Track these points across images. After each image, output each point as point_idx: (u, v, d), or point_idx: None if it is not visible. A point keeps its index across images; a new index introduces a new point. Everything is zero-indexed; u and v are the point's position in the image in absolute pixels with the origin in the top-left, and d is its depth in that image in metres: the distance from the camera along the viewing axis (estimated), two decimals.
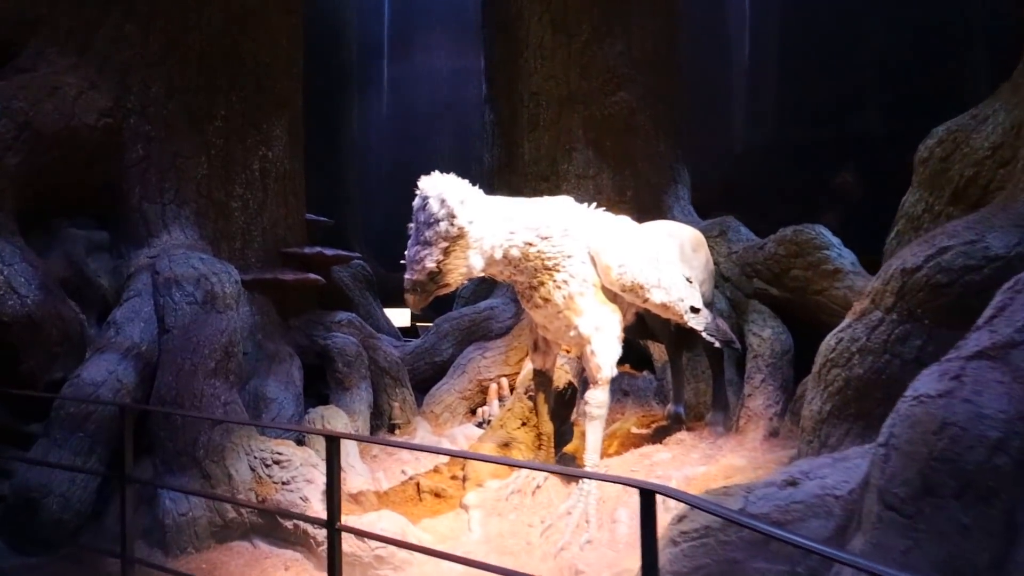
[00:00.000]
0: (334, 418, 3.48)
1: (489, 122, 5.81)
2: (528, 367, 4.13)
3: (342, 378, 4.09)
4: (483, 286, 5.65)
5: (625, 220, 3.07)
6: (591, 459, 2.88)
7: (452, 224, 2.54)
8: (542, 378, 3.18)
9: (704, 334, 3.42)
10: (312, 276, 4.43)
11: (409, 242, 2.66)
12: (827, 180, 7.24)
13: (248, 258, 4.29)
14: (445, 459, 3.68)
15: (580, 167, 5.08)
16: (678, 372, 3.84)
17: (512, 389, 4.49)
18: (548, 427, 3.20)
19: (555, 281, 2.75)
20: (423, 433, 4.13)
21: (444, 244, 2.55)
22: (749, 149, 7.54)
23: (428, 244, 2.56)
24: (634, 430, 3.94)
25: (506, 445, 3.45)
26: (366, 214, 8.47)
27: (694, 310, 3.31)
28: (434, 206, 2.57)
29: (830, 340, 2.83)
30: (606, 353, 2.85)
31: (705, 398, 4.13)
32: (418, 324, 6.67)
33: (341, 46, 7.96)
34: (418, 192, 2.66)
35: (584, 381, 3.27)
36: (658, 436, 3.72)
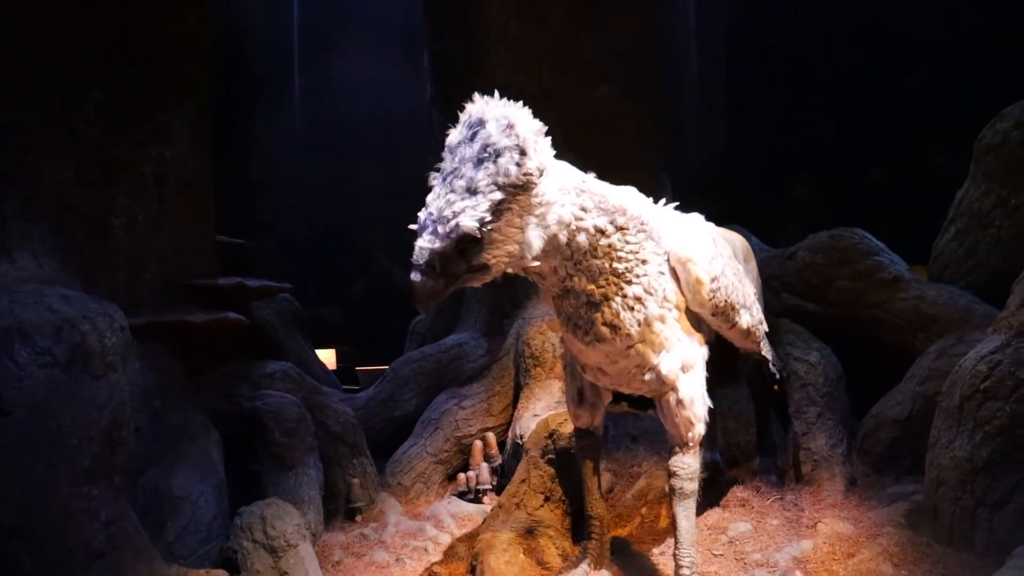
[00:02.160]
0: (280, 518, 2.40)
1: (438, 126, 4.91)
2: (533, 418, 3.22)
3: (281, 453, 2.99)
4: (443, 317, 4.70)
5: (698, 218, 2.28)
6: (687, 557, 2.01)
7: (519, 165, 1.58)
8: (589, 440, 2.30)
9: (771, 365, 2.70)
10: (231, 316, 3.30)
11: (431, 194, 1.64)
12: (784, 191, 6.96)
13: (138, 295, 3.11)
14: (436, 553, 2.69)
15: None
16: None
17: (501, 445, 3.57)
18: (600, 508, 2.31)
19: (625, 297, 1.88)
20: (395, 517, 3.09)
21: (498, 196, 1.57)
22: (702, 159, 7.15)
23: (470, 192, 1.57)
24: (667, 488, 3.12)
25: (530, 532, 2.52)
26: (276, 239, 7.26)
27: (767, 335, 2.59)
28: (494, 132, 1.59)
29: (978, 366, 2.16)
30: (698, 403, 2.03)
31: (736, 438, 3.41)
32: (358, 369, 5.55)
33: (245, 49, 6.82)
34: (463, 118, 1.68)
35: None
36: (704, 494, 2.93)
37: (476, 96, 1.72)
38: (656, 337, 1.95)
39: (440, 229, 1.59)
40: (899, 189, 6.68)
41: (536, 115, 4.65)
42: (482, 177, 1.58)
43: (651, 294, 1.92)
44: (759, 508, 2.71)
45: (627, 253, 1.86)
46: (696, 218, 2.26)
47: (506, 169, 1.58)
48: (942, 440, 2.22)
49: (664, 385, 2.01)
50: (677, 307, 2.00)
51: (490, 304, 4.40)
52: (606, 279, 1.85)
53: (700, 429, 2.03)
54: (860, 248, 3.25)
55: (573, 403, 2.28)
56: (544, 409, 3.37)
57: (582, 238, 1.77)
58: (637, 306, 1.90)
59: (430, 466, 3.51)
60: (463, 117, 1.71)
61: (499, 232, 1.62)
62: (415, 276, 1.65)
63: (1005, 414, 2.05)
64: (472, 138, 1.63)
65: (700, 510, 2.76)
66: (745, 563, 2.23)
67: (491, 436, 3.56)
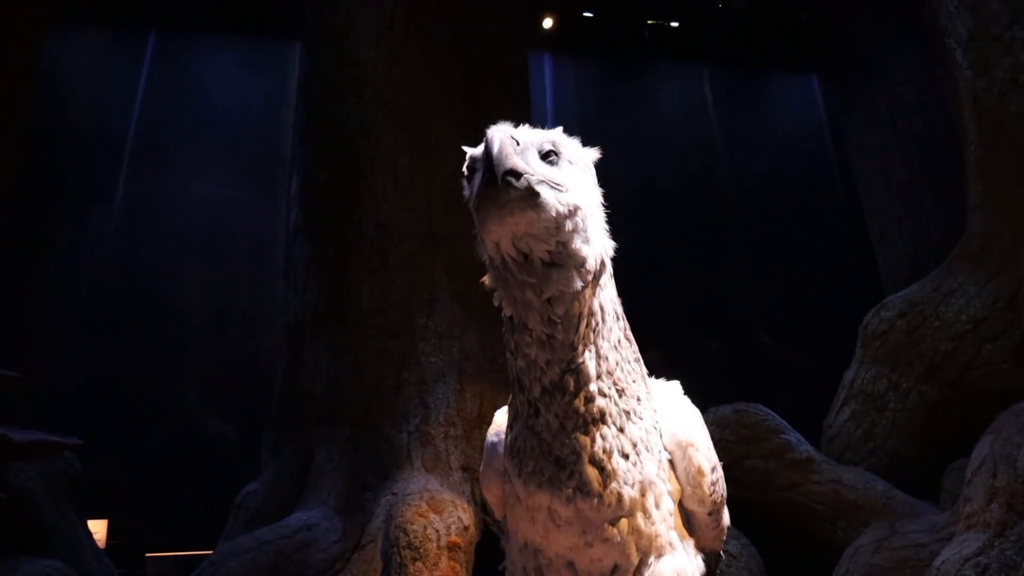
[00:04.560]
0: None
1: (302, 258, 4.31)
2: None
3: None
4: (281, 486, 3.76)
5: (677, 387, 1.93)
6: None
7: (576, 150, 1.29)
8: None
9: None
10: None
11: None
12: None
13: None
14: None
15: (443, 324, 3.86)
16: None
17: None
18: None
19: (622, 431, 1.35)
20: None
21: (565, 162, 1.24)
22: None
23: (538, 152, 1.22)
24: None
25: None
26: (54, 374, 5.72)
27: None
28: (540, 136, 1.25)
29: (963, 570, 1.96)
30: None
31: None
32: (149, 557, 4.20)
33: (63, 144, 5.77)
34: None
35: None
36: None
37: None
38: (648, 523, 1.43)
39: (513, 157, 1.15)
40: (732, 362, 7.23)
41: (423, 257, 4.23)
42: (541, 142, 1.24)
43: (649, 451, 1.45)
44: None
45: (627, 379, 1.38)
46: (676, 388, 1.89)
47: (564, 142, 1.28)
48: None
49: None
50: (671, 495, 1.56)
51: (347, 473, 3.61)
52: (605, 392, 1.32)
53: None
54: (767, 425, 3.16)
55: None
56: None
57: (607, 297, 1.31)
58: (633, 455, 1.37)
59: None
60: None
61: (572, 188, 1.21)
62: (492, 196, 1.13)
63: None
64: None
65: None
66: None
67: None
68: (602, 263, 1.28)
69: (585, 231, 1.23)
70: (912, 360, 2.99)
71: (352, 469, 3.59)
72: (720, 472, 1.68)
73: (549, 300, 1.22)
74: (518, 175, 1.13)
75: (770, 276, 7.51)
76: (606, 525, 1.37)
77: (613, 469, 1.34)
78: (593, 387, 1.31)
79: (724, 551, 2.95)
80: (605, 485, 1.34)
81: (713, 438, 3.40)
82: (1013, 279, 2.79)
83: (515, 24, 4.87)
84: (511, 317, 1.27)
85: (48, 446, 2.77)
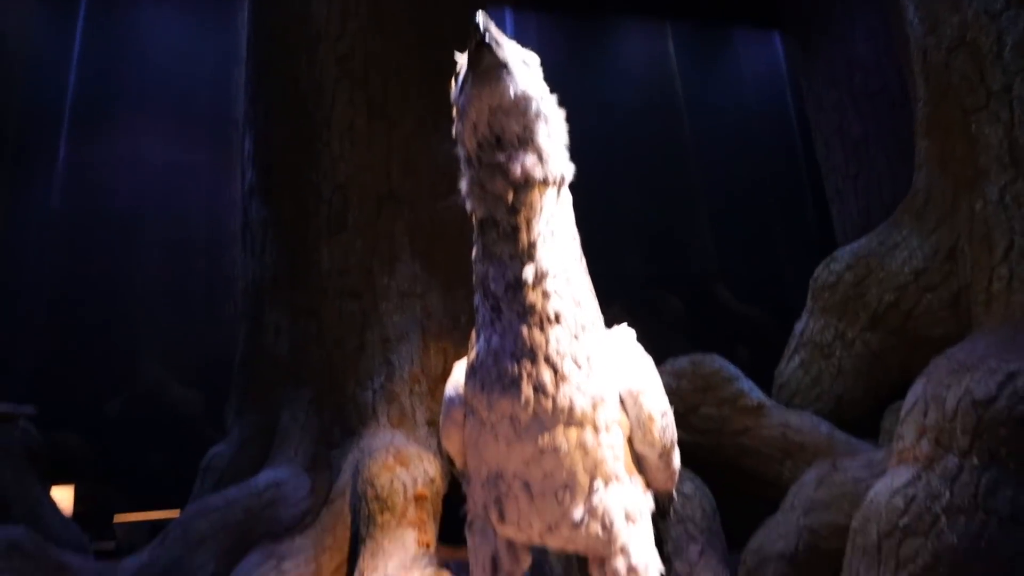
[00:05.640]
0: None
1: (258, 220, 4.24)
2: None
3: None
4: (249, 447, 3.78)
5: (629, 333, 1.96)
6: None
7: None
8: None
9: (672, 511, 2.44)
10: None
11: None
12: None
13: None
14: None
15: (405, 282, 3.87)
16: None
17: None
18: None
19: (576, 339, 1.44)
20: None
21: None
22: None
23: None
24: None
25: None
26: (6, 344, 5.57)
27: None
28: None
29: (893, 499, 2.11)
30: (654, 569, 1.63)
31: None
32: (118, 521, 4.20)
33: None
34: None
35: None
36: None
37: None
38: (596, 442, 1.49)
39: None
40: (693, 317, 7.42)
41: (383, 217, 4.23)
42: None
43: (602, 372, 1.48)
44: None
45: (585, 298, 1.47)
46: (629, 334, 1.93)
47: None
48: None
49: (610, 544, 1.60)
50: (621, 428, 1.63)
51: (313, 431, 3.65)
52: (561, 295, 1.42)
53: None
54: (722, 374, 3.28)
55: (484, 575, 1.73)
56: (398, 568, 2.71)
57: (565, 217, 1.46)
58: (586, 368, 1.45)
59: None
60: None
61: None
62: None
63: (927, 551, 2.00)
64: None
65: None
66: None
67: None
68: (563, 178, 1.45)
69: (548, 128, 1.42)
70: (858, 310, 3.13)
71: (318, 428, 3.63)
72: (671, 417, 1.77)
73: (516, 191, 1.38)
74: (500, 45, 1.34)
75: (731, 233, 7.67)
76: (558, 429, 1.44)
77: (566, 373, 1.43)
78: (551, 284, 1.42)
79: (678, 491, 3.12)
80: (558, 386, 1.42)
81: (670, 388, 3.54)
82: (952, 232, 2.91)
83: None
84: (481, 222, 1.44)
85: (2, 416, 2.73)
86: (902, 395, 2.48)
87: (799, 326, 3.41)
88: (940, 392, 2.17)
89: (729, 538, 3.14)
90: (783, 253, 7.76)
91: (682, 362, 3.41)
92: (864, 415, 3.16)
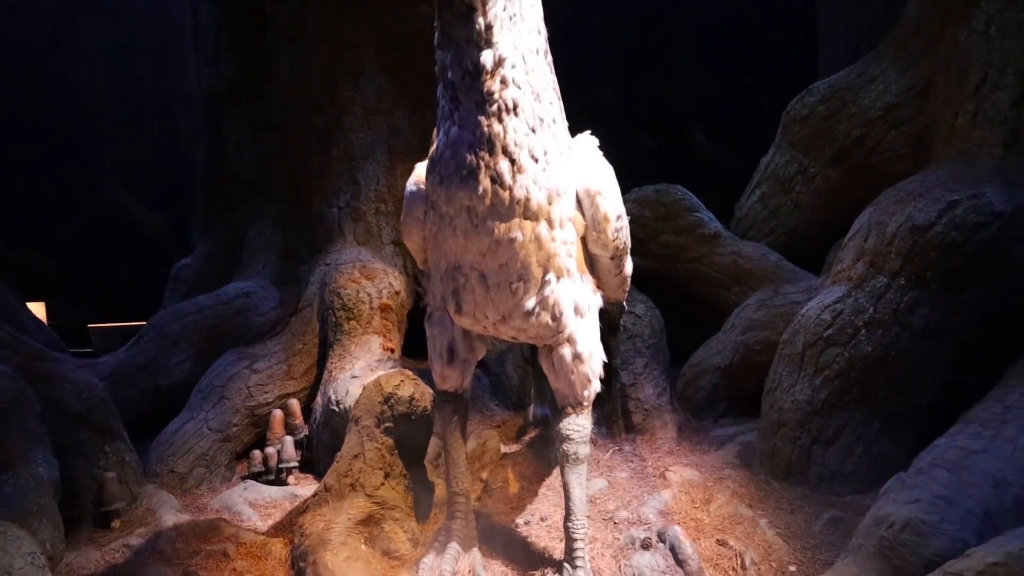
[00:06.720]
0: (7, 544, 1.60)
1: (210, 23, 3.91)
2: (353, 379, 2.74)
3: None
4: (216, 261, 3.83)
5: (591, 141, 1.96)
6: (581, 528, 1.79)
7: None
8: (456, 404, 1.93)
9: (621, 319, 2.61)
10: None
11: None
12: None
13: None
14: (242, 556, 2.11)
15: (370, 98, 3.71)
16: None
17: (306, 413, 3.00)
18: (466, 482, 1.97)
19: (533, 132, 1.47)
20: (171, 516, 2.38)
21: None
22: None
23: None
24: (504, 448, 2.91)
25: (371, 517, 2.08)
26: None
27: None
28: None
29: (822, 315, 2.28)
30: (596, 358, 1.79)
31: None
32: (91, 326, 4.33)
33: None
34: None
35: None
36: (540, 453, 2.78)
37: None
38: (551, 236, 1.57)
39: None
40: (666, 157, 7.37)
41: (346, 24, 3.98)
42: None
43: (559, 167, 1.54)
44: (604, 462, 2.63)
45: (545, 93, 1.49)
46: (589, 141, 1.92)
47: None
48: (783, 385, 2.34)
49: (559, 334, 1.73)
50: (575, 226, 1.68)
51: (280, 247, 3.69)
52: (519, 84, 1.43)
53: (596, 387, 1.80)
54: (683, 204, 3.35)
55: (441, 362, 1.88)
56: (364, 369, 2.89)
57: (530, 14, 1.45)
58: (543, 161, 1.50)
59: (214, 445, 2.80)
60: None
61: None
62: None
63: (843, 359, 2.21)
64: None
65: (529, 471, 2.61)
66: (615, 523, 2.11)
67: (294, 403, 2.97)
68: None
69: None
70: (824, 145, 3.13)
71: (285, 244, 3.66)
72: (625, 221, 1.83)
73: None
74: None
75: (714, 73, 7.38)
76: (514, 222, 1.51)
77: (523, 165, 1.47)
78: (509, 72, 1.41)
79: (630, 311, 3.30)
80: (515, 178, 1.47)
81: (633, 215, 3.61)
82: (932, 65, 2.84)
83: None
84: (439, 3, 1.39)
85: None
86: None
87: (765, 160, 3.42)
88: (884, 219, 2.27)
89: (678, 357, 3.41)
90: (765, 96, 7.56)
91: (647, 191, 3.46)
92: (815, 249, 3.29)
